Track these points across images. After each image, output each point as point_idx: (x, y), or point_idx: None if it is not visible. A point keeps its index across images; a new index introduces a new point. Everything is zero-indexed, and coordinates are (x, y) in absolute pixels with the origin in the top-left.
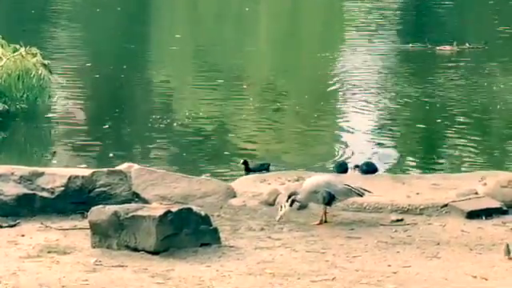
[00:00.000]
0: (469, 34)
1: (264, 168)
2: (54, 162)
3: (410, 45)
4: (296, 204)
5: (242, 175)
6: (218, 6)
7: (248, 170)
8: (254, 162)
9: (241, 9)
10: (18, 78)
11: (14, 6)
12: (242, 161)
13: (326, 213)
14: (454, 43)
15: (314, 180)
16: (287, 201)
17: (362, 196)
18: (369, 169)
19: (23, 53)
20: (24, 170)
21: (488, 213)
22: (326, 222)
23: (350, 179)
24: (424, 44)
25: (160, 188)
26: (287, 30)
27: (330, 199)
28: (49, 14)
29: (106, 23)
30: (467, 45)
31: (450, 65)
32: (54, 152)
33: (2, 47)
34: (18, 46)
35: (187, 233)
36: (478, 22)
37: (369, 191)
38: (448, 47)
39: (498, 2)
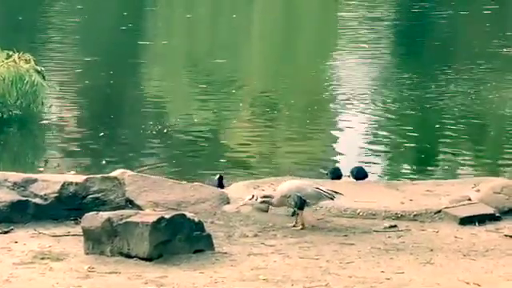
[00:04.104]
0: None
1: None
2: (47, 168)
3: (505, 49)
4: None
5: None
6: (208, 12)
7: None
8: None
9: (229, 16)
10: (12, 84)
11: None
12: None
13: (298, 215)
14: None
15: (286, 185)
16: (261, 200)
17: (332, 199)
18: (359, 175)
19: (16, 59)
20: (17, 176)
21: (481, 219)
22: (303, 225)
23: (344, 186)
24: None
25: (153, 194)
26: (278, 35)
27: (301, 203)
28: (37, 22)
29: (93, 30)
30: None
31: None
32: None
33: None
34: (10, 53)
35: (181, 239)
36: None
37: (340, 193)
38: None
39: None
